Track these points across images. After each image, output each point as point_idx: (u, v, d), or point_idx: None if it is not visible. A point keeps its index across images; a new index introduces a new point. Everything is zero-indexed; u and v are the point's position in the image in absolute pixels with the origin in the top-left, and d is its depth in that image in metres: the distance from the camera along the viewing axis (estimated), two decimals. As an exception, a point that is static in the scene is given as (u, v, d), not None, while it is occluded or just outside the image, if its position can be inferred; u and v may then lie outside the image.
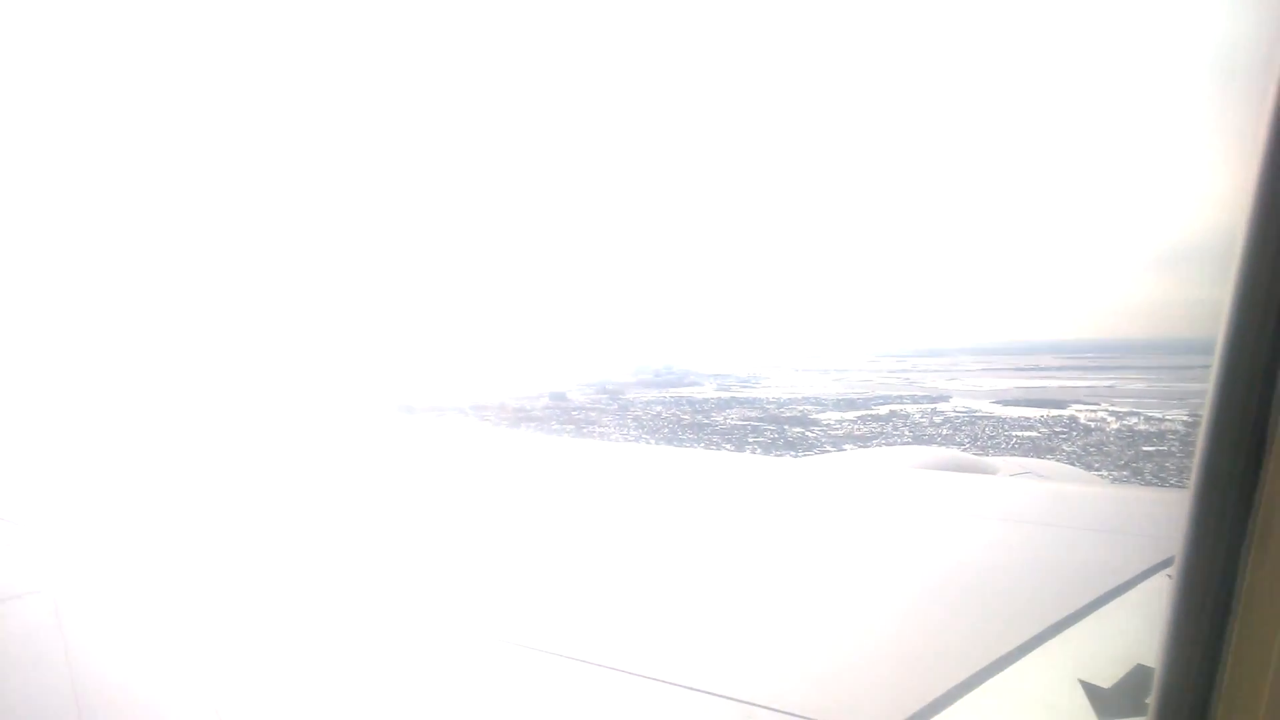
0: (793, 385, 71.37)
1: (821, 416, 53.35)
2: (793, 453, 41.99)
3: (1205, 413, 0.93)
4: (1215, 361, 0.91)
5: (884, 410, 54.42)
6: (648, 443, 46.24)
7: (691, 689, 1.96)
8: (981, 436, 44.08)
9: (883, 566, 3.16)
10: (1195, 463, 0.94)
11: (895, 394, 63.11)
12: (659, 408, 60.07)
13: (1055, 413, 48.97)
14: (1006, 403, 54.88)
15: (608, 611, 2.66)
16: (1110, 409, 49.21)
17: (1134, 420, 45.43)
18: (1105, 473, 32.92)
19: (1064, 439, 42.26)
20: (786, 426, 49.61)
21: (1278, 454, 0.87)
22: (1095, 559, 3.10)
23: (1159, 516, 3.90)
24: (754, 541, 3.57)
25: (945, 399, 58.75)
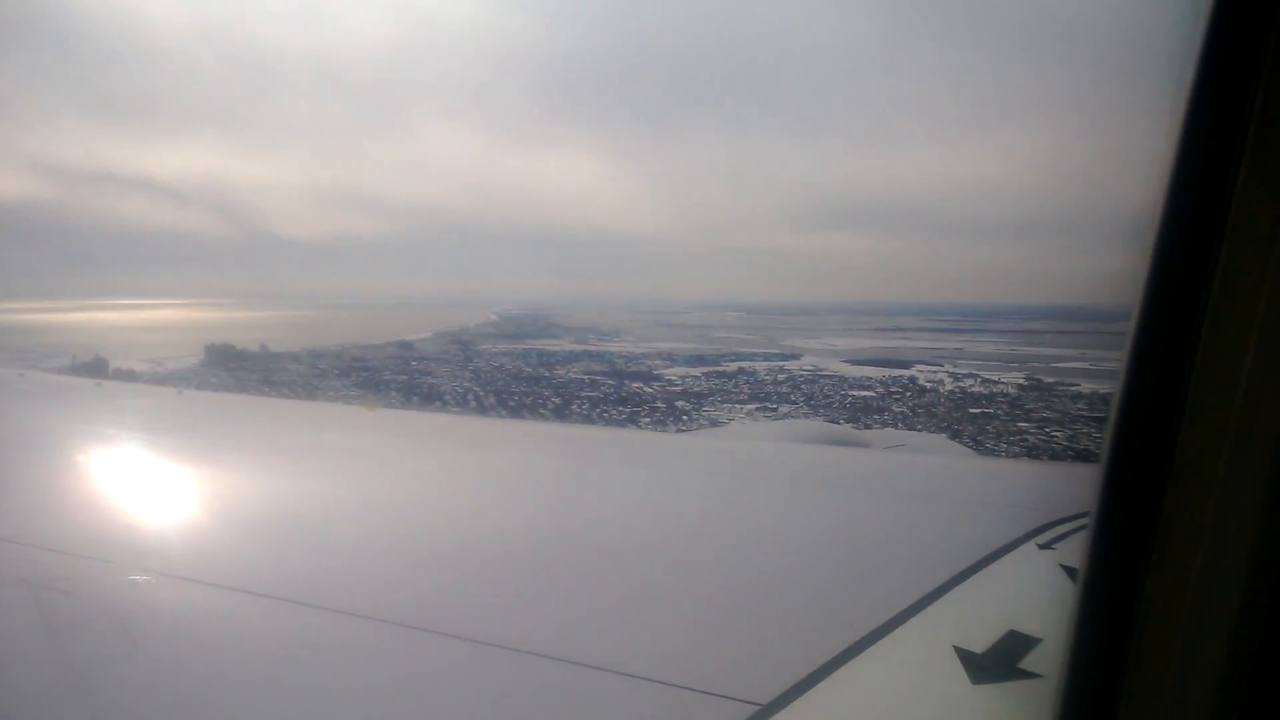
0: (651, 340, 69.62)
1: (668, 372, 51.49)
2: (622, 408, 40.19)
3: (1118, 386, 0.94)
4: (1129, 336, 0.93)
5: (732, 367, 52.94)
6: (479, 394, 43.55)
7: (578, 664, 1.99)
8: (817, 395, 42.95)
9: (758, 539, 3.18)
10: (1108, 435, 0.95)
11: (749, 351, 62.10)
12: (504, 359, 57.11)
13: (897, 373, 48.43)
14: (856, 362, 54.49)
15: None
16: (951, 370, 49.07)
17: (970, 382, 45.16)
18: (927, 432, 32.12)
19: (896, 399, 41.48)
20: (626, 381, 47.32)
21: (1189, 427, 0.88)
22: (966, 529, 3.16)
23: (1027, 488, 4.15)
24: (632, 511, 3.58)
25: (797, 357, 57.91)
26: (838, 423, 31.95)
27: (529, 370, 52.00)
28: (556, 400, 41.78)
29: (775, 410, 39.22)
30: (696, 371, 51.56)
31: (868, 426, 33.68)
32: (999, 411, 38.35)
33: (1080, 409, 36.81)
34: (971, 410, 38.57)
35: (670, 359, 57.50)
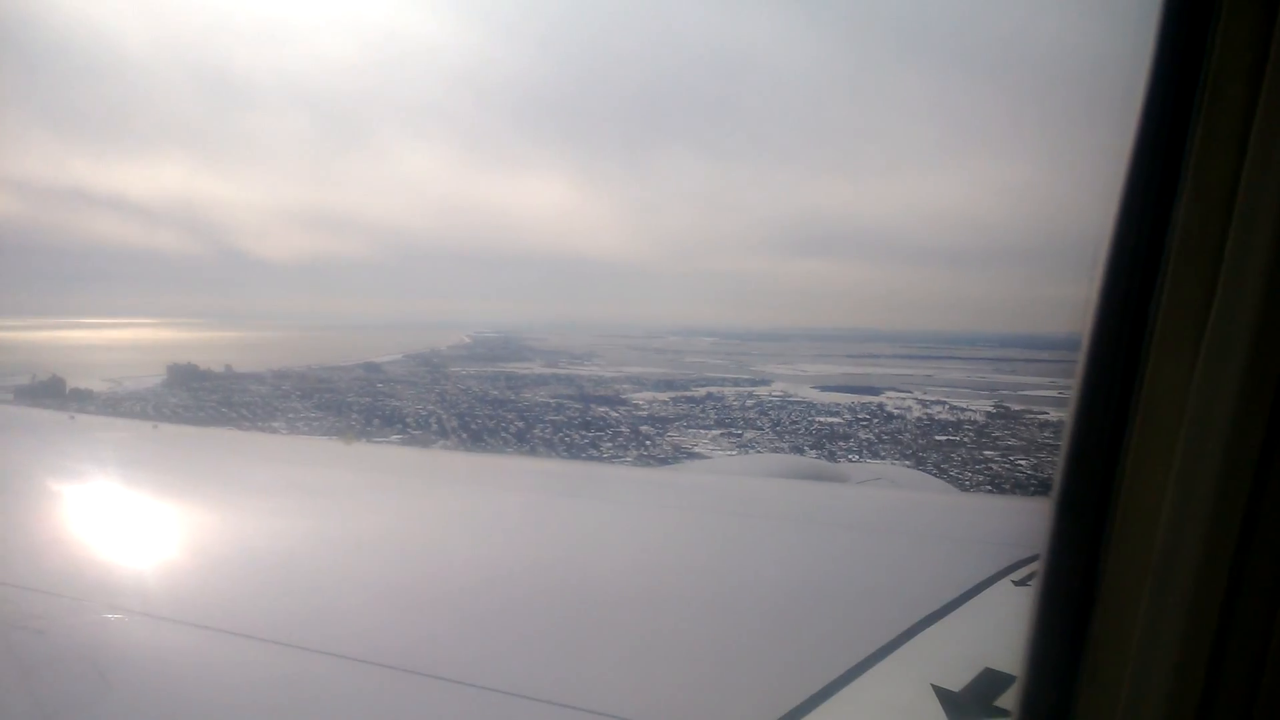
0: (622, 364, 69.07)
1: (636, 396, 50.90)
2: (585, 432, 39.53)
3: (1068, 418, 0.95)
4: (1078, 367, 0.94)
5: (701, 392, 52.39)
6: (442, 418, 42.73)
7: (549, 702, 1.95)
8: (784, 421, 42.51)
9: (733, 578, 3.14)
10: (1058, 466, 0.96)
11: (719, 376, 61.68)
12: (472, 382, 56.28)
13: (866, 399, 48.12)
14: (826, 388, 54.17)
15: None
16: (919, 397, 48.83)
17: (938, 409, 44.91)
18: (892, 461, 31.74)
19: (864, 425, 41.09)
20: (593, 405, 46.65)
21: (1135, 456, 0.89)
22: (942, 566, 3.20)
23: (1004, 523, 4.03)
24: (603, 552, 3.55)
25: (767, 383, 57.54)
26: (803, 450, 31.60)
27: (495, 393, 51.13)
28: (520, 424, 41.05)
29: (740, 436, 38.79)
30: (664, 396, 50.93)
31: (834, 454, 33.33)
32: (965, 439, 38.07)
33: (1046, 437, 36.60)
34: (938, 438, 38.28)
35: (640, 383, 56.87)
